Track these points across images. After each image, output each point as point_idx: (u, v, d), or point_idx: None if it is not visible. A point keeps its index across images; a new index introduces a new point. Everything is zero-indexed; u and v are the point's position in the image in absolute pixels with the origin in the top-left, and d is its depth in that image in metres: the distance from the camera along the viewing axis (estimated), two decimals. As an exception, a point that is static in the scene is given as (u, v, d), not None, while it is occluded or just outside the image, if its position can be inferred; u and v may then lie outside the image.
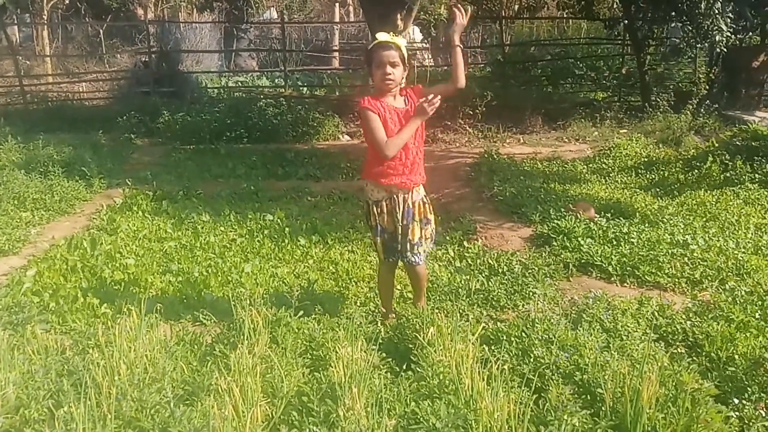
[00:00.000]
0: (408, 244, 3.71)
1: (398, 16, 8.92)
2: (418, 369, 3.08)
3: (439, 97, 3.47)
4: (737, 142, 7.83)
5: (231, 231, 5.96)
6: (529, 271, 4.79)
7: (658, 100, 10.88)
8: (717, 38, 8.81)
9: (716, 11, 8.75)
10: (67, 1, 18.51)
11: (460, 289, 4.44)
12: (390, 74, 3.53)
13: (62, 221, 6.40)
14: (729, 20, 8.88)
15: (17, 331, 3.65)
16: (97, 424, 2.52)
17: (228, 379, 2.77)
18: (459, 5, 3.60)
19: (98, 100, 13.67)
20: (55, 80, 14.97)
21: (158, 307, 3.68)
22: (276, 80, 15.55)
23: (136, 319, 3.29)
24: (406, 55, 3.57)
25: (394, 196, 3.67)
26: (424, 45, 16.18)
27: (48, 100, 13.05)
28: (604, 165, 8.34)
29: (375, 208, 3.73)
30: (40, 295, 4.36)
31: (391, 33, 3.65)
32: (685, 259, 4.93)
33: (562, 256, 5.11)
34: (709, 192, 6.74)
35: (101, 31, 17.57)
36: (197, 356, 3.39)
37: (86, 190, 7.26)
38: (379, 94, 3.62)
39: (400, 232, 3.70)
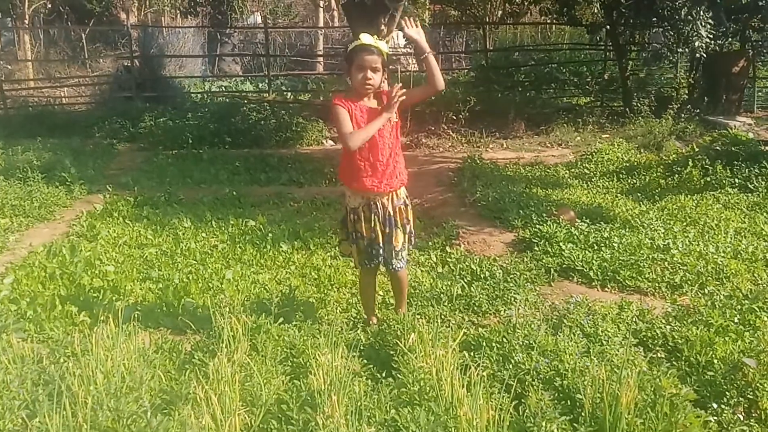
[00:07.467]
0: (393, 251, 3.70)
1: (382, 21, 8.93)
2: (398, 375, 3.08)
3: (403, 91, 3.43)
4: (717, 147, 7.88)
5: (212, 237, 5.92)
6: (511, 276, 4.79)
7: (640, 105, 10.96)
8: (697, 44, 8.88)
9: (695, 17, 8.82)
10: (50, 6, 18.34)
11: (441, 295, 4.43)
12: (370, 79, 3.53)
13: (41, 228, 6.33)
14: (708, 26, 8.97)
15: (-7, 340, 3.60)
16: (72, 435, 2.49)
17: (206, 387, 2.74)
18: (406, 18, 3.56)
19: (80, 105, 13.56)
20: (36, 85, 14.83)
21: (137, 315, 3.64)
22: (260, 85, 15.51)
23: (114, 327, 3.26)
24: (386, 60, 3.58)
25: (372, 203, 3.65)
26: (408, 50, 16.23)
27: (29, 106, 12.93)
28: (586, 170, 8.38)
29: (352, 215, 3.72)
30: (18, 302, 4.30)
31: (375, 36, 3.64)
32: (666, 263, 4.96)
33: (544, 261, 5.12)
34: (689, 196, 6.79)
35: (84, 35, 17.41)
36: (176, 365, 3.36)
37: (66, 196, 7.19)
38: (356, 95, 3.61)
39: (382, 239, 3.68)
